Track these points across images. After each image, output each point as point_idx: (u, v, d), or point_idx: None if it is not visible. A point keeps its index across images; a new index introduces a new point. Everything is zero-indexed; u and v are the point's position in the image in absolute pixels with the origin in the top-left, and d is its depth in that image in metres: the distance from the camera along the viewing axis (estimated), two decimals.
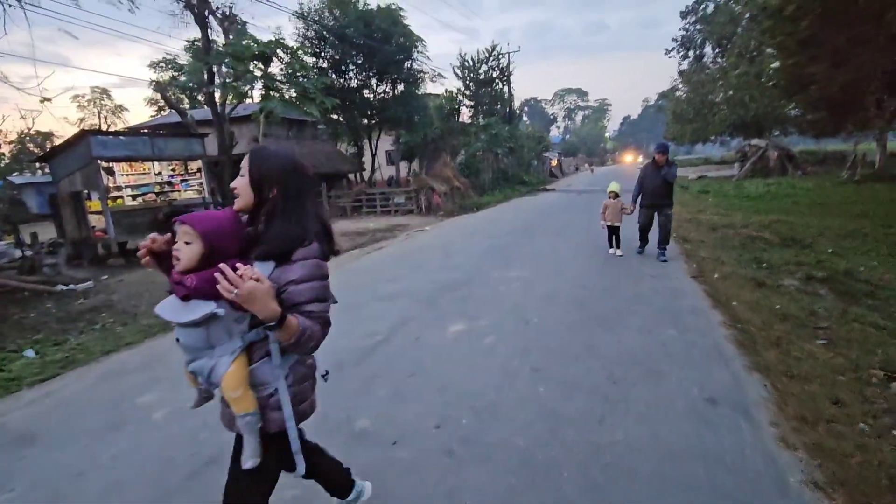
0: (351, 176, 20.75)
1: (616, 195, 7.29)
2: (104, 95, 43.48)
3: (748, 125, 29.72)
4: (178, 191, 11.84)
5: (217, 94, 12.49)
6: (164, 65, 25.13)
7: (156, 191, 11.56)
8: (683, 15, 38.54)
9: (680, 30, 39.42)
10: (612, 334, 4.14)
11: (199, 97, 26.82)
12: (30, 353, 4.77)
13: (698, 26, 37.29)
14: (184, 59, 25.50)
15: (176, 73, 25.94)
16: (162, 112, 27.19)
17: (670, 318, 4.48)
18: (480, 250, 8.62)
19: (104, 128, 38.47)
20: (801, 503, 2.04)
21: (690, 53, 38.57)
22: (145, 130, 14.26)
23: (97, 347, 4.70)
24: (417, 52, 17.69)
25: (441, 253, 8.67)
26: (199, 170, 11.50)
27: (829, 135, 16.89)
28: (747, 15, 27.49)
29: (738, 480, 2.19)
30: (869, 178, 19.94)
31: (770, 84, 23.43)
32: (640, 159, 33.74)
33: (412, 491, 2.25)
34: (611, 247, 7.48)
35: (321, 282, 1.37)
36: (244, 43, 10.68)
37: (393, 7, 16.63)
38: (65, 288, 7.87)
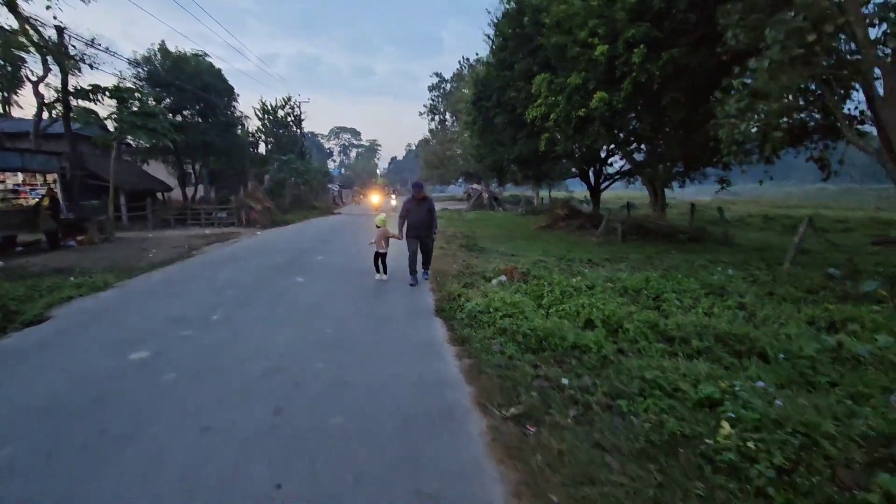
0: (158, 194, 22.74)
1: (379, 226, 8.16)
2: None
3: (472, 174, 42.71)
4: (25, 198, 13.57)
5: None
6: None
7: (0, 198, 13.19)
8: (430, 89, 51.61)
9: (428, 99, 52.37)
10: None
11: None
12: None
13: (440, 99, 50.56)
14: None
15: None
16: None
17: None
18: (309, 239, 14.47)
19: None
20: (432, 304, 9.00)
21: (436, 117, 51.55)
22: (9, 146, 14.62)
23: (123, 275, 8.77)
24: (233, 101, 22.21)
25: (286, 241, 14.14)
26: (55, 181, 13.66)
27: (502, 186, 28.69)
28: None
29: (418, 299, 9.04)
30: (529, 212, 33.58)
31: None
32: (394, 198, 40.07)
33: (337, 251, 8.38)
34: (377, 272, 8.26)
35: None
36: (104, 85, 13.51)
37: (214, 66, 20.92)
38: None
